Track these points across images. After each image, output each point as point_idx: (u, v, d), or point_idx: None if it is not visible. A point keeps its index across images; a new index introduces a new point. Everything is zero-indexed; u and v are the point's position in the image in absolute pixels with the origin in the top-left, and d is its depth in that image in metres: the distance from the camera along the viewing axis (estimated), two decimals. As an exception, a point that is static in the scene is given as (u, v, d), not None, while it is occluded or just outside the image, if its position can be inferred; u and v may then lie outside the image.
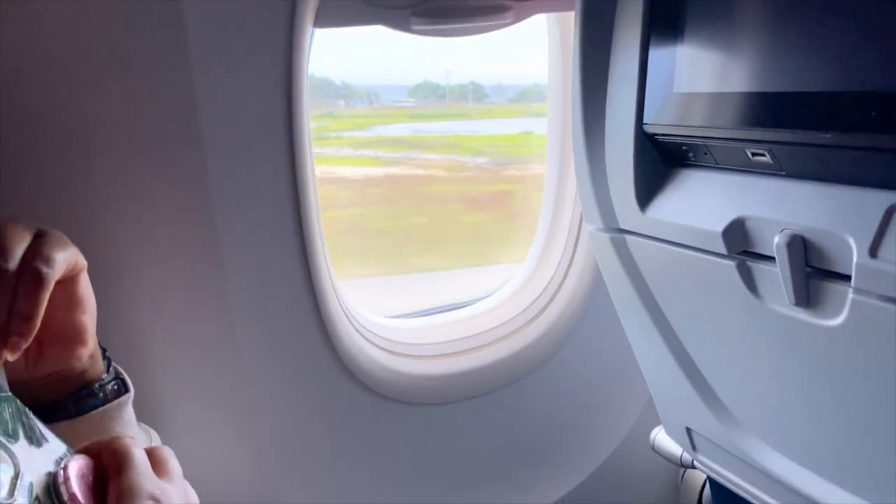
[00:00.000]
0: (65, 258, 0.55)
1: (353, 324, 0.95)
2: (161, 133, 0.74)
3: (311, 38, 0.80)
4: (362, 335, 0.97)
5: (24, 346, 0.52)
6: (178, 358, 0.80)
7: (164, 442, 0.69)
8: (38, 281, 0.53)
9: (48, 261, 0.53)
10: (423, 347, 1.01)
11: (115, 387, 0.64)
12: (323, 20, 0.80)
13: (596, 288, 1.01)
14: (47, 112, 0.70)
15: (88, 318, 0.60)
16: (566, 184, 1.03)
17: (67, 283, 0.58)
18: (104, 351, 0.65)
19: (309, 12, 0.77)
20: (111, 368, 0.65)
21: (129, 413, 0.65)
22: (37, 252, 0.53)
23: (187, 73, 0.71)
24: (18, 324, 0.52)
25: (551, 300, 1.03)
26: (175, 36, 0.70)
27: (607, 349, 1.04)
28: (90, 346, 0.60)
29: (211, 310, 0.81)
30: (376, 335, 0.99)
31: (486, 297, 1.09)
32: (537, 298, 1.04)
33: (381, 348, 0.98)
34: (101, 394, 0.63)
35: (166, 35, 0.71)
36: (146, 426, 0.70)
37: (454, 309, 1.08)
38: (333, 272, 0.94)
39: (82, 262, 0.58)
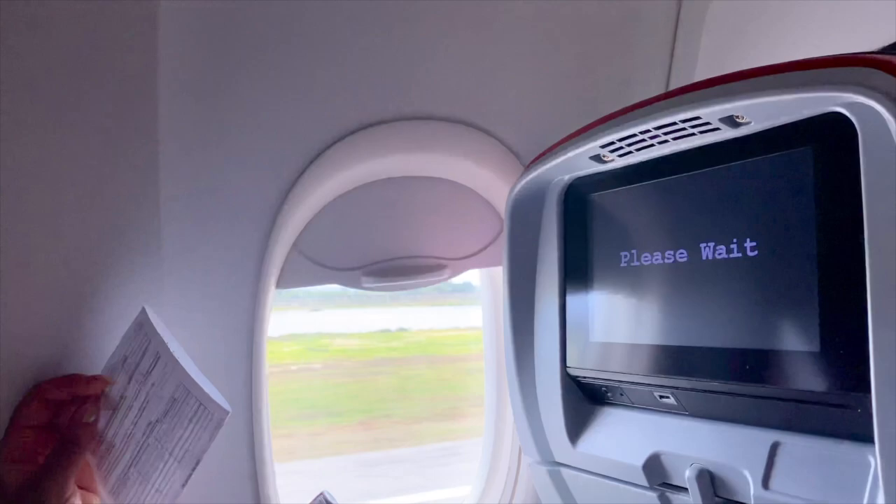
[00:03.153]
0: None
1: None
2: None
3: (273, 297, 0.91)
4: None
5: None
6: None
7: None
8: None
9: None
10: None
11: None
12: (284, 282, 0.91)
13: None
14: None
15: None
16: (505, 420, 1.11)
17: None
18: None
19: (272, 276, 0.88)
20: None
21: None
22: None
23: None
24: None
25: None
26: (152, 285, 0.79)
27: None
28: None
29: None
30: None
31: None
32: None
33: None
34: None
35: (146, 279, 0.80)
36: None
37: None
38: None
39: None
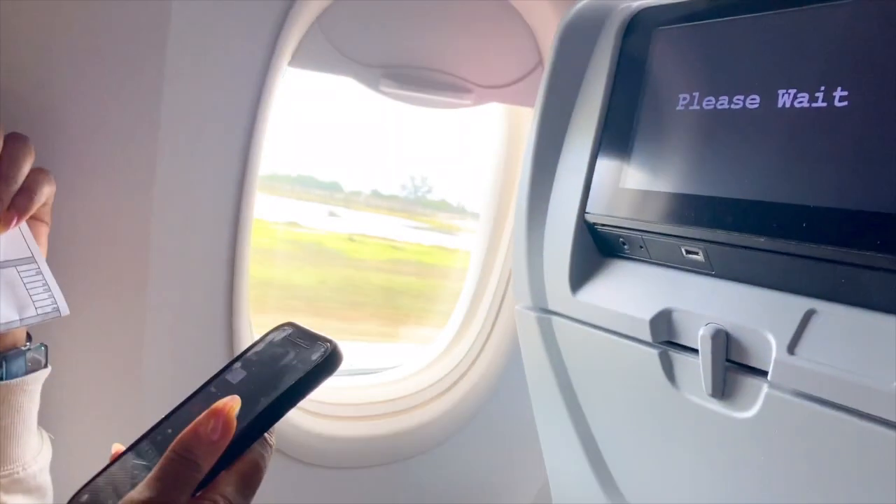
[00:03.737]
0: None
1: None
2: (118, 132, 0.72)
3: (284, 74, 0.82)
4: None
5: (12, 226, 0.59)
6: (81, 379, 0.75)
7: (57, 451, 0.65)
8: (47, 172, 0.62)
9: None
10: (330, 407, 0.98)
11: (39, 357, 0.62)
12: (298, 60, 0.82)
13: (508, 369, 1.03)
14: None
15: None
16: (492, 264, 1.07)
17: (34, 224, 0.64)
18: None
19: (287, 50, 0.79)
20: (30, 340, 0.65)
21: (37, 395, 0.62)
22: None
23: (159, 79, 0.71)
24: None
25: (463, 376, 1.03)
26: (155, 41, 0.70)
27: (511, 432, 1.05)
28: None
29: (124, 339, 0.77)
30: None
31: (397, 367, 1.08)
32: (450, 372, 1.04)
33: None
34: (24, 358, 0.60)
35: (146, 37, 0.70)
36: (41, 428, 0.64)
37: (365, 373, 1.07)
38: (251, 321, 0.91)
39: (50, 217, 0.66)
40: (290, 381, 0.50)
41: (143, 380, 0.79)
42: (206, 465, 0.45)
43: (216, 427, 0.45)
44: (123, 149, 0.74)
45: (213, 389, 0.53)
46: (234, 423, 0.47)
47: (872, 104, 0.55)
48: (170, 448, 0.45)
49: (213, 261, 0.82)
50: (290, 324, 0.55)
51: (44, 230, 0.65)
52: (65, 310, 0.64)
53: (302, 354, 0.52)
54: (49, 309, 0.63)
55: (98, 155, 0.73)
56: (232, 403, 0.47)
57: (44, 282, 0.64)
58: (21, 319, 0.61)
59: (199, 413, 0.47)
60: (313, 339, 0.53)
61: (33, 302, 0.62)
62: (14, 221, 0.58)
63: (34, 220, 0.64)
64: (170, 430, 0.51)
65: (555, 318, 0.83)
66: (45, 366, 0.64)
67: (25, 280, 0.62)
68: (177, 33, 0.72)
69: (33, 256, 0.63)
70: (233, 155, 0.77)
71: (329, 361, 0.51)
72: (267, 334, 0.56)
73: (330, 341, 0.52)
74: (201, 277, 0.82)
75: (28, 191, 0.60)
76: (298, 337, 0.54)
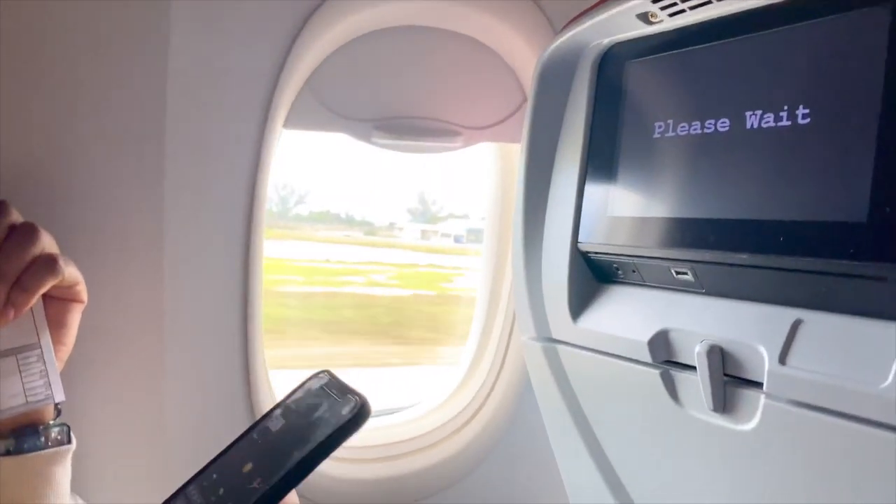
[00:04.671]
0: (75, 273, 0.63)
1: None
2: (125, 202, 0.77)
3: (280, 136, 0.86)
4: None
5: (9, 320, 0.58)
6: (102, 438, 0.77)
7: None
8: (52, 262, 0.59)
9: (59, 260, 0.60)
10: (348, 451, 1.00)
11: (59, 436, 0.64)
12: (292, 122, 0.86)
13: (522, 399, 1.05)
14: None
15: (64, 351, 0.65)
16: (498, 300, 1.09)
17: (62, 304, 0.64)
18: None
19: (280, 114, 0.83)
20: (59, 416, 0.65)
21: (68, 468, 0.64)
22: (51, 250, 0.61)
23: (161, 149, 0.75)
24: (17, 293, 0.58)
25: (478, 412, 1.06)
26: (154, 113, 0.75)
27: (530, 462, 1.06)
28: None
29: (143, 387, 0.80)
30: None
31: (413, 405, 1.11)
32: (464, 409, 1.06)
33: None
34: (44, 437, 0.62)
35: (146, 110, 0.75)
36: (74, 494, 0.67)
37: (382, 414, 1.09)
38: (267, 366, 0.94)
39: (84, 295, 0.65)
40: (320, 435, 0.51)
41: (166, 437, 0.82)
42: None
43: None
44: (131, 221, 0.78)
45: (255, 436, 0.54)
46: None
47: (833, 120, 0.58)
48: None
49: (225, 331, 0.85)
50: (326, 372, 0.57)
51: (76, 308, 0.66)
52: (59, 397, 0.64)
53: (334, 408, 0.53)
54: (41, 397, 0.62)
55: (108, 233, 0.77)
56: None
57: (42, 368, 0.63)
58: (3, 410, 0.60)
59: (242, 459, 0.51)
60: (344, 391, 0.54)
61: (24, 390, 0.61)
62: (11, 315, 0.58)
63: (62, 300, 0.65)
64: (214, 476, 0.53)
65: (560, 347, 0.86)
66: (70, 442, 0.65)
67: (23, 368, 0.62)
68: (174, 107, 0.76)
69: (38, 342, 0.63)
70: (236, 221, 0.81)
71: (357, 417, 0.52)
72: (305, 381, 0.57)
73: (359, 395, 0.53)
74: (215, 347, 0.86)
75: (21, 287, 0.58)
76: (332, 388, 0.55)
